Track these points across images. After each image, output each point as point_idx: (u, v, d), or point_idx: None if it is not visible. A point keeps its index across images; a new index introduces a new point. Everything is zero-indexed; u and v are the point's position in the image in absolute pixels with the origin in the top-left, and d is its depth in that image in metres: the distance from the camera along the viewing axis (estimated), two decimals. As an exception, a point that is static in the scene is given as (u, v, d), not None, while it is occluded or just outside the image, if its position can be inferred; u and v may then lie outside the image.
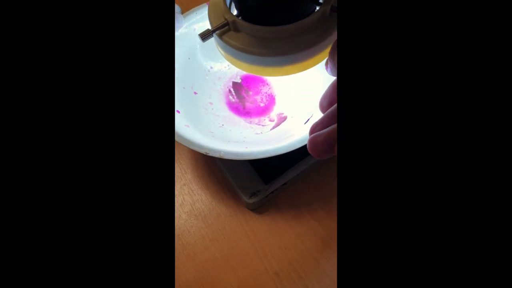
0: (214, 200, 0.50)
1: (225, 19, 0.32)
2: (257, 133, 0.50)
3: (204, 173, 0.52)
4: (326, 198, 0.50)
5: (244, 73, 0.55)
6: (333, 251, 0.46)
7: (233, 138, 0.48)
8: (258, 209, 0.49)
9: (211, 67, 0.55)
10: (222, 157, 0.40)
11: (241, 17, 0.33)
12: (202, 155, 0.52)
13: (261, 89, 0.55)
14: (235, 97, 0.54)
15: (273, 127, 0.51)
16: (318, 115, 0.35)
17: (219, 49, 0.36)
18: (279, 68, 0.34)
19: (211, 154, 0.40)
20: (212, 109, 0.52)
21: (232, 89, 0.55)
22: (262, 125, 0.52)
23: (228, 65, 0.55)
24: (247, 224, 0.48)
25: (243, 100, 0.54)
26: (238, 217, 0.49)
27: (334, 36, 0.33)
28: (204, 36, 0.33)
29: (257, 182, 0.48)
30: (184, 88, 0.51)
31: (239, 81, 0.56)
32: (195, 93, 0.52)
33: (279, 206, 0.49)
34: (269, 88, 0.55)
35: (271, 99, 0.55)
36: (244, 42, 0.33)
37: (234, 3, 0.34)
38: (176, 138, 0.42)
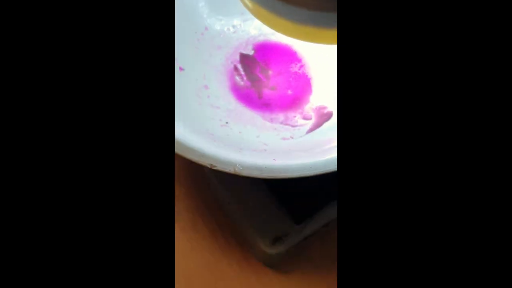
0: (207, 250, 0.42)
1: None
2: (284, 138, 0.41)
3: (192, 202, 0.44)
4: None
5: (259, 39, 0.46)
6: None
7: (245, 145, 0.39)
8: (282, 264, 0.42)
9: (206, 28, 0.47)
10: (236, 173, 0.34)
11: None
12: (185, 171, 0.45)
13: (289, 68, 0.45)
14: (244, 78, 0.45)
15: (311, 130, 0.41)
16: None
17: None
18: None
19: (219, 167, 0.34)
20: (209, 96, 0.44)
21: (239, 66, 0.46)
22: (292, 126, 0.42)
23: (235, 27, 0.47)
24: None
25: (258, 84, 0.45)
26: (249, 279, 0.41)
27: None
28: None
29: (283, 220, 0.40)
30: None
31: (252, 52, 0.46)
32: (181, 68, 0.44)
33: (316, 261, 0.42)
34: (302, 66, 0.45)
35: (306, 84, 0.45)
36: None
37: None
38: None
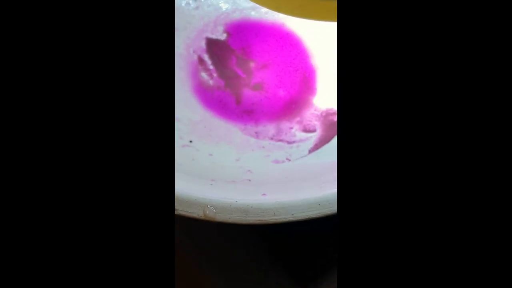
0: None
1: None
2: (277, 161, 0.32)
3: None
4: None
5: (234, 17, 0.37)
6: None
7: (219, 174, 0.31)
8: None
9: None
10: (208, 218, 0.28)
11: None
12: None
13: (280, 57, 0.36)
14: (214, 75, 0.35)
15: (316, 147, 0.33)
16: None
17: None
18: None
19: (182, 211, 0.28)
20: None
21: (206, 57, 0.37)
22: (288, 142, 0.33)
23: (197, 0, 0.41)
24: None
25: (235, 83, 0.35)
26: None
27: None
28: None
29: (279, 285, 0.34)
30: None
31: (224, 37, 0.37)
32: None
33: None
34: (299, 54, 0.36)
35: (306, 80, 0.36)
36: None
37: None
38: None
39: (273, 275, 0.32)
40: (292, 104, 0.33)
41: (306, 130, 0.32)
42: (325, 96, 0.34)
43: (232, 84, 0.34)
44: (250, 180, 0.30)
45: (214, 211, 0.27)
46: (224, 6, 0.37)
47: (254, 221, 0.27)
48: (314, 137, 0.32)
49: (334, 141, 0.32)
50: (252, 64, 0.34)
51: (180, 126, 0.33)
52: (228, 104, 0.34)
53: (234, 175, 0.31)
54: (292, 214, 0.27)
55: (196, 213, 0.27)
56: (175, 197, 0.28)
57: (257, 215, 0.27)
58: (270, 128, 0.33)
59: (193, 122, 0.33)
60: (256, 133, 0.33)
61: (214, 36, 0.37)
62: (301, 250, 0.33)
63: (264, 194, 0.28)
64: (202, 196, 0.27)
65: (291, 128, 0.32)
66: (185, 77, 0.36)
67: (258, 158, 0.32)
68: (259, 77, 0.34)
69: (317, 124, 0.32)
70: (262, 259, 0.33)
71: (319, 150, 0.32)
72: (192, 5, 0.38)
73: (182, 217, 0.28)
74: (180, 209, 0.28)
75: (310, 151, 0.31)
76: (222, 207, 0.27)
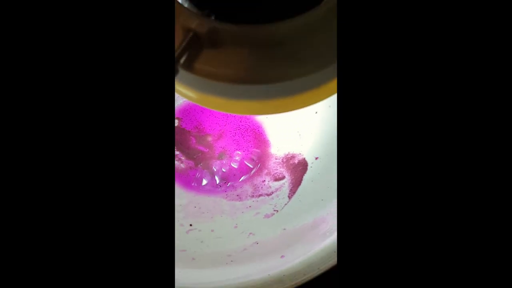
0: None
1: (192, 29, 0.23)
2: (267, 216, 0.34)
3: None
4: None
5: (179, 104, 0.39)
6: None
7: (230, 249, 0.32)
8: None
9: None
10: None
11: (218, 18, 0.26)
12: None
13: (229, 121, 0.38)
14: (182, 158, 0.36)
15: (292, 191, 0.35)
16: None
17: (186, 89, 0.26)
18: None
19: None
20: None
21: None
22: (267, 195, 0.35)
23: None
24: None
25: (203, 158, 0.37)
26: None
27: None
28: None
29: None
30: None
31: (177, 123, 0.38)
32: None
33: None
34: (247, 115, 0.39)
35: (258, 134, 0.38)
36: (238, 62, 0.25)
37: None
38: None
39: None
40: (256, 160, 0.35)
41: (277, 179, 0.34)
42: (280, 142, 0.35)
43: (200, 161, 0.35)
44: (257, 243, 0.31)
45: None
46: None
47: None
48: (286, 182, 0.34)
49: (305, 181, 0.34)
50: (209, 138, 0.35)
51: (180, 216, 0.33)
52: (204, 179, 0.35)
53: (240, 243, 0.32)
54: (318, 268, 0.27)
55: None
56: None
57: (292, 280, 0.27)
58: (247, 188, 0.34)
59: (183, 207, 0.33)
60: (237, 196, 0.34)
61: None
62: None
63: (282, 256, 0.29)
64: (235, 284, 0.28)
65: (264, 181, 0.34)
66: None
67: (250, 218, 0.33)
68: (219, 147, 0.35)
69: (283, 170, 0.34)
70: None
71: (297, 193, 0.34)
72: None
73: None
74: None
75: (290, 197, 0.33)
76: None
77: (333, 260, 0.27)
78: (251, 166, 0.35)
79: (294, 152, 0.35)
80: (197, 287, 0.27)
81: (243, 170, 0.35)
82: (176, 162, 0.35)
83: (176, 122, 0.36)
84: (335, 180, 0.31)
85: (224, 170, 0.35)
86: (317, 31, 0.24)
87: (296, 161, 0.34)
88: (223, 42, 0.24)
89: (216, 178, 0.34)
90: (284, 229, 0.31)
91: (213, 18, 0.25)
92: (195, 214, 0.33)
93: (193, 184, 0.34)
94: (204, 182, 0.34)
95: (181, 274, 0.29)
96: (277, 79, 0.24)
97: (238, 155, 0.35)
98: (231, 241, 0.31)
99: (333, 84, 0.26)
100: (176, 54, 0.22)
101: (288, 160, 0.34)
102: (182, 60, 0.23)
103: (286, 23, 0.24)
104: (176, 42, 0.22)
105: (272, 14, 0.25)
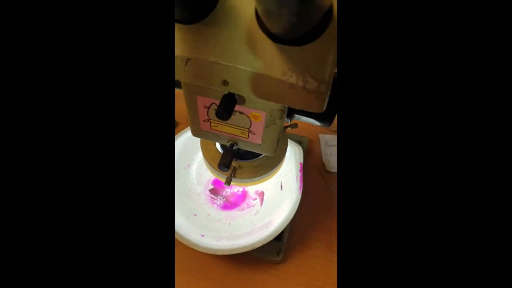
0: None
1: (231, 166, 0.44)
2: (255, 214, 0.61)
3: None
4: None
5: (212, 177, 0.65)
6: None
7: (242, 229, 0.58)
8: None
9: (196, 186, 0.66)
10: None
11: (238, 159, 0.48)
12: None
13: (231, 187, 0.67)
14: (220, 198, 0.65)
15: (261, 202, 0.63)
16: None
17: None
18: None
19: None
20: (208, 214, 0.62)
21: (212, 195, 0.65)
22: (253, 206, 0.63)
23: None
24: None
25: (227, 198, 0.65)
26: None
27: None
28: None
29: None
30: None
31: (211, 186, 0.67)
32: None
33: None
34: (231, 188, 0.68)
35: (242, 194, 0.67)
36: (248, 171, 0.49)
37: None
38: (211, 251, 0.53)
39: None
40: (243, 196, 0.66)
41: (253, 199, 0.64)
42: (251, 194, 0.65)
43: (225, 198, 0.64)
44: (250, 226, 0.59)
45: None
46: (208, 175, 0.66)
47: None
48: (257, 201, 0.64)
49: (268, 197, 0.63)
50: (228, 191, 0.65)
51: (220, 217, 0.61)
52: (228, 205, 0.63)
53: (249, 226, 0.56)
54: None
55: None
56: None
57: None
58: (242, 205, 0.63)
59: (216, 219, 0.60)
60: (241, 209, 0.62)
61: (210, 187, 0.66)
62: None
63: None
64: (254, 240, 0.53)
65: (249, 200, 0.64)
66: (210, 205, 0.64)
67: (249, 216, 0.60)
68: (230, 195, 0.65)
69: (255, 195, 0.64)
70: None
71: (264, 202, 0.62)
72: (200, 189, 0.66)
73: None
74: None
75: (262, 205, 0.61)
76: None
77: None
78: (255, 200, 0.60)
79: (258, 189, 0.67)
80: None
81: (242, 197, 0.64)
82: (218, 202, 0.65)
83: (211, 186, 0.66)
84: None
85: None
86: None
87: (258, 191, 0.67)
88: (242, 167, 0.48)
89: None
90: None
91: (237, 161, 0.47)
92: (227, 218, 0.61)
93: None
94: None
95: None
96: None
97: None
98: (236, 225, 0.58)
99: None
100: (227, 179, 0.46)
101: (255, 192, 0.67)
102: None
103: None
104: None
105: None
